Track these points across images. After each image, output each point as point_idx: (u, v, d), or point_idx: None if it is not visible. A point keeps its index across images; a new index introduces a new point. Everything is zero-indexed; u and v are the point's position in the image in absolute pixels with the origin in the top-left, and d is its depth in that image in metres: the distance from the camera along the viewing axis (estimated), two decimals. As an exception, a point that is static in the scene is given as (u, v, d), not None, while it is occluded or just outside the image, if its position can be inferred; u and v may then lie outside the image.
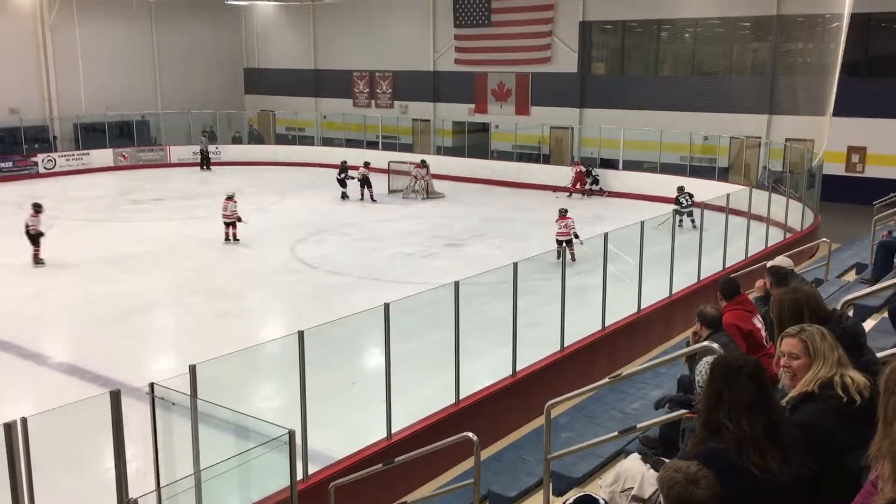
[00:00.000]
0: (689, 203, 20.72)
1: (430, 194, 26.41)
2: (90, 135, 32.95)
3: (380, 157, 29.09)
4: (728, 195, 15.68)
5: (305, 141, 36.27)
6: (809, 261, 14.26)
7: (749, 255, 15.73)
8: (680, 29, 28.17)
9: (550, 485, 5.97)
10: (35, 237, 17.67)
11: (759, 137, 25.46)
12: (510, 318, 10.09)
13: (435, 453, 7.00)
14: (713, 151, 26.47)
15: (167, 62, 35.76)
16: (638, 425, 5.70)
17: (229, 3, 36.71)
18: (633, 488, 4.32)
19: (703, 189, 21.43)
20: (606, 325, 11.86)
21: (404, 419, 8.91)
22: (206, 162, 32.79)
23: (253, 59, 39.04)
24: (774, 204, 18.20)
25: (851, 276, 11.97)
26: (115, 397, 6.16)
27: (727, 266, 14.74)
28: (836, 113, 21.60)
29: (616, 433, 5.77)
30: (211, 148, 33.87)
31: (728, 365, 3.18)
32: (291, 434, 5.75)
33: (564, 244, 16.65)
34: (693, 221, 20.86)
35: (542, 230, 17.75)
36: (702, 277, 14.18)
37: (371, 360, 10.73)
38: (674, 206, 21.40)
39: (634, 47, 29.71)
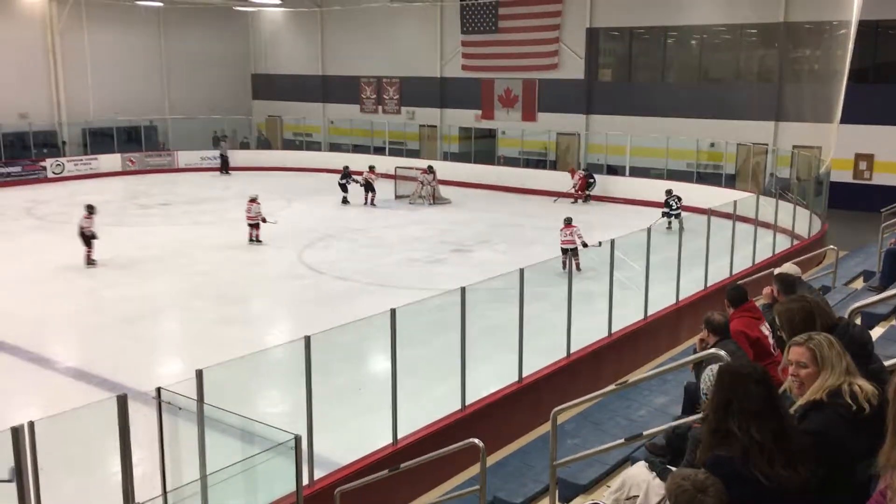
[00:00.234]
0: (678, 206, 21.51)
1: (436, 200, 26.44)
2: (99, 140, 33.12)
3: (387, 163, 29.14)
4: (735, 202, 15.66)
5: (313, 146, 36.35)
6: (817, 268, 14.22)
7: (756, 262, 15.69)
8: (687, 36, 28.15)
9: (557, 491, 5.96)
10: (88, 238, 17.90)
11: (766, 144, 25.41)
12: (516, 325, 10.08)
13: (441, 459, 6.99)
14: (720, 158, 26.43)
15: (175, 68, 35.92)
16: (644, 432, 5.68)
17: (238, 9, 36.86)
18: (638, 497, 4.31)
19: (710, 196, 21.39)
20: (613, 331, 11.84)
21: (410, 425, 8.90)
22: (225, 166, 32.93)
23: (261, 65, 39.17)
24: (781, 211, 18.15)
25: (859, 284, 11.92)
26: (122, 401, 6.18)
27: (734, 273, 14.71)
28: (844, 120, 21.56)
29: (622, 440, 5.76)
30: (218, 153, 34.07)
31: (736, 372, 3.17)
32: (297, 439, 5.75)
33: (570, 253, 16.50)
34: (682, 224, 21.31)
35: (548, 236, 17.73)
36: (709, 284, 14.15)
37: (377, 365, 10.74)
38: (663, 209, 21.65)
39: (641, 54, 29.70)
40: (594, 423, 7.72)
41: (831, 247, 13.59)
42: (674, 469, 4.24)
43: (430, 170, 27.03)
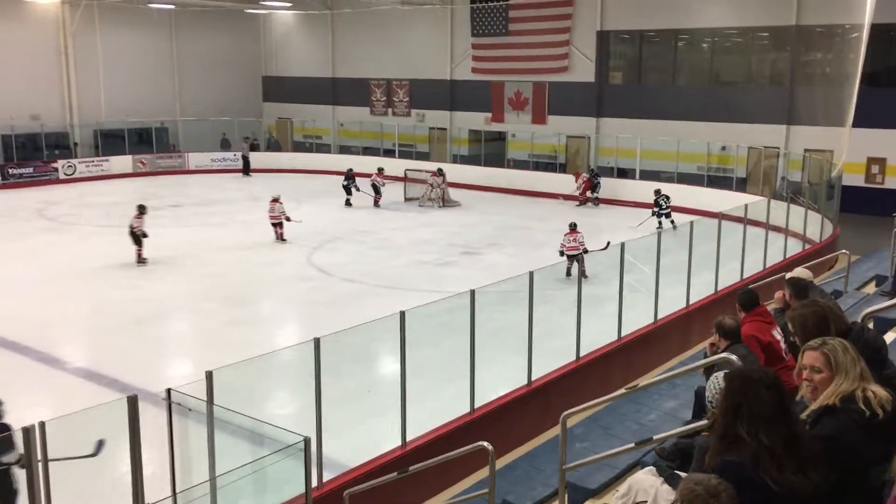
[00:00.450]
0: (667, 205, 21.97)
1: (446, 202, 26.45)
2: (110, 141, 33.30)
3: (396, 166, 29.18)
4: (746, 206, 15.59)
5: (322, 149, 36.42)
6: (828, 272, 14.12)
7: (767, 266, 15.62)
8: (698, 39, 28.08)
9: (566, 495, 5.94)
10: (139, 238, 18.27)
11: (778, 148, 25.31)
12: (525, 327, 10.05)
13: (449, 462, 6.98)
14: (731, 162, 26.33)
15: (186, 70, 36.09)
16: (654, 437, 5.65)
17: (249, 11, 37.00)
18: (646, 502, 4.29)
19: (721, 199, 21.33)
20: (622, 335, 11.80)
21: (419, 427, 8.89)
22: (247, 168, 33.07)
23: (271, 67, 39.30)
24: (793, 215, 18.06)
25: (871, 289, 11.85)
26: (133, 402, 6.20)
27: (745, 277, 14.64)
28: (856, 123, 21.45)
29: (632, 444, 5.73)
30: (229, 156, 34.18)
31: (746, 377, 3.15)
32: (307, 441, 5.75)
33: (575, 260, 16.20)
34: (672, 222, 21.66)
35: (557, 239, 17.67)
36: (719, 288, 14.09)
37: (386, 367, 10.74)
38: (653, 209, 21.78)
39: (652, 57, 29.65)
40: (604, 427, 7.69)
41: (843, 251, 13.48)
42: (682, 474, 4.21)
43: (440, 172, 27.04)
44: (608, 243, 16.41)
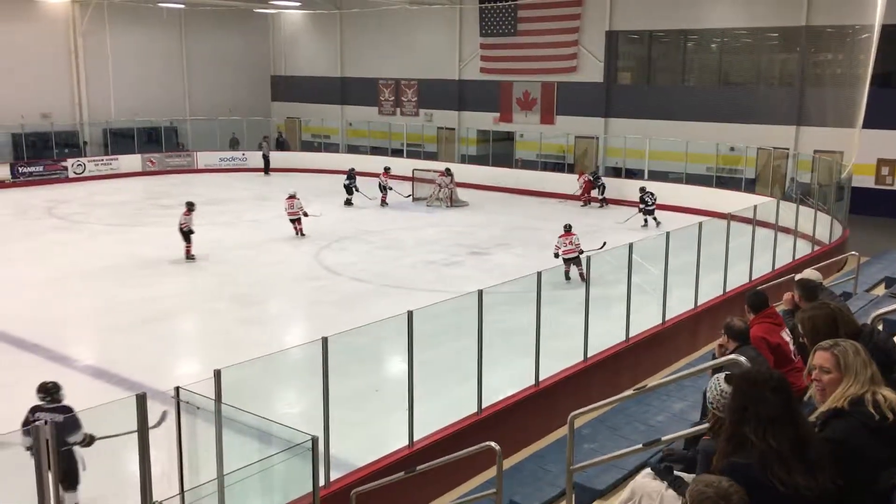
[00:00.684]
0: (653, 202, 22.20)
1: (454, 202, 26.44)
2: (119, 140, 33.44)
3: (404, 165, 29.19)
4: (755, 207, 15.53)
5: (331, 148, 36.49)
6: (838, 274, 14.06)
7: (776, 267, 15.56)
8: (707, 39, 28.00)
9: (573, 496, 5.93)
10: (187, 234, 18.55)
11: (787, 149, 25.21)
12: (533, 328, 10.05)
13: (457, 462, 6.98)
14: (740, 162, 26.25)
15: (196, 69, 36.20)
16: (662, 438, 5.64)
17: (258, 11, 37.09)
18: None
19: (730, 200, 21.24)
20: (630, 336, 11.78)
21: (426, 427, 8.89)
22: (267, 167, 33.17)
23: (280, 67, 39.37)
24: (802, 216, 17.99)
25: (881, 291, 11.79)
26: (141, 400, 6.22)
27: (754, 278, 14.59)
28: (866, 125, 21.34)
29: (640, 445, 5.72)
30: (237, 155, 34.25)
31: (753, 379, 3.14)
32: (315, 440, 5.75)
33: (572, 263, 16.09)
34: (656, 220, 21.87)
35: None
36: (728, 289, 14.04)
37: (394, 367, 10.74)
38: (639, 206, 22.26)
39: (661, 57, 29.58)
40: (611, 428, 7.68)
41: (853, 253, 13.42)
42: (684, 476, 4.20)
43: (448, 172, 27.03)
44: (604, 244, 16.39)
